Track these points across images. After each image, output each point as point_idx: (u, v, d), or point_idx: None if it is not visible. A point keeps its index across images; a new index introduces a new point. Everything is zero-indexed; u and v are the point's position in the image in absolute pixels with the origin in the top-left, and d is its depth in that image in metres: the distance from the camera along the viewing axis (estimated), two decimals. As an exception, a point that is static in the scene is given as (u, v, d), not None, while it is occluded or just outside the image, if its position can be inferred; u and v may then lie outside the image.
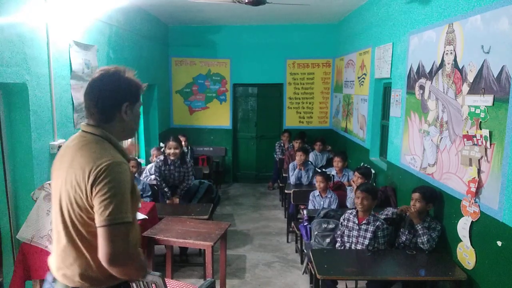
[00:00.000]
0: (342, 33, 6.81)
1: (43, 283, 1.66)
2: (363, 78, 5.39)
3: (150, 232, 3.33)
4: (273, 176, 7.36)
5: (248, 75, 7.53)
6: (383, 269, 2.90)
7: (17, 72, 2.86)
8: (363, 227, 3.17)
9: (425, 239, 3.00)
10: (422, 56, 3.55)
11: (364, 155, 5.28)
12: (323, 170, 4.96)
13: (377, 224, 3.14)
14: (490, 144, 2.52)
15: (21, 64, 2.90)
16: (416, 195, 3.14)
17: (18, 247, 2.83)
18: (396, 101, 4.16)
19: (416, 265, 2.85)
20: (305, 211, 4.00)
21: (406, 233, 3.19)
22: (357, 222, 3.21)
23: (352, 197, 4.08)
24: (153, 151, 5.61)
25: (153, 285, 2.30)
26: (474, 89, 2.71)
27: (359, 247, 3.16)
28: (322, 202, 4.23)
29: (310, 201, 4.31)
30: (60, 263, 1.52)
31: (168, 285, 2.47)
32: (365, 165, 4.85)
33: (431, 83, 3.36)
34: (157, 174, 4.45)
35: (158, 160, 4.51)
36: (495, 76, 2.48)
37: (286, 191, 5.06)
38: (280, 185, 6.47)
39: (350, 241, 3.22)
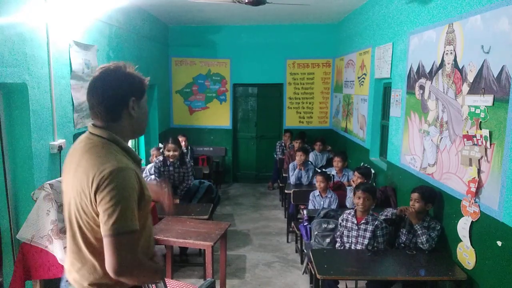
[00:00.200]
0: (342, 33, 6.81)
1: (60, 281, 1.64)
2: (363, 78, 5.39)
3: (150, 232, 3.32)
4: (272, 176, 7.36)
5: (248, 75, 7.53)
6: (383, 269, 2.90)
7: (17, 72, 2.86)
8: (362, 227, 3.17)
9: (424, 239, 3.00)
10: (422, 56, 3.55)
11: (364, 155, 5.28)
12: (323, 170, 4.96)
13: (375, 223, 3.14)
14: (490, 144, 2.52)
15: (21, 64, 2.90)
16: (415, 195, 3.14)
17: (18, 247, 2.83)
18: (396, 101, 4.16)
19: (416, 265, 2.85)
20: (305, 211, 4.00)
21: (406, 233, 3.19)
22: (355, 222, 3.21)
23: (352, 197, 4.08)
24: (153, 151, 5.61)
25: (153, 285, 2.30)
26: (474, 89, 2.71)
27: (358, 247, 3.16)
28: (322, 202, 4.23)
29: (310, 201, 4.31)
30: (70, 267, 1.51)
31: (168, 285, 2.47)
32: (365, 165, 4.85)
33: (431, 83, 3.36)
34: (156, 175, 4.44)
35: (157, 161, 4.50)
36: (495, 76, 2.48)
37: (286, 191, 5.06)
38: (280, 185, 6.47)
39: (350, 241, 3.22)
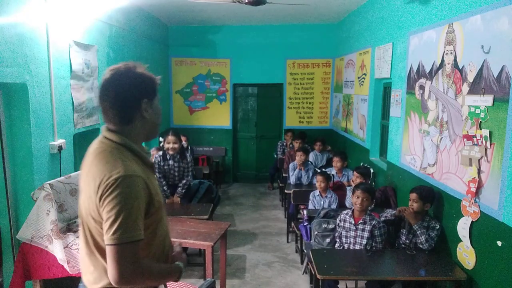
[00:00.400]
0: (342, 33, 6.81)
1: (79, 282, 1.63)
2: (363, 78, 5.39)
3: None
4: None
5: (248, 75, 7.54)
6: (383, 269, 2.90)
7: (17, 72, 2.86)
8: (360, 227, 3.17)
9: (423, 239, 3.01)
10: (422, 56, 3.54)
11: (364, 155, 5.28)
12: (323, 170, 4.96)
13: (373, 223, 3.14)
14: (490, 144, 2.52)
15: (21, 64, 2.90)
16: (413, 196, 3.14)
17: (18, 247, 2.83)
18: (396, 101, 4.16)
19: (416, 265, 2.85)
20: (305, 211, 4.00)
21: (406, 233, 3.19)
22: (353, 222, 3.21)
23: (351, 196, 4.08)
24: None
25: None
26: (474, 89, 2.71)
27: (357, 247, 3.16)
28: (322, 202, 4.23)
29: (310, 201, 4.31)
30: (84, 269, 1.51)
31: (168, 285, 2.47)
32: (365, 165, 4.85)
33: (431, 83, 3.36)
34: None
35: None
36: (495, 76, 2.48)
37: (286, 191, 5.06)
38: (280, 185, 6.47)
39: (348, 241, 3.22)
